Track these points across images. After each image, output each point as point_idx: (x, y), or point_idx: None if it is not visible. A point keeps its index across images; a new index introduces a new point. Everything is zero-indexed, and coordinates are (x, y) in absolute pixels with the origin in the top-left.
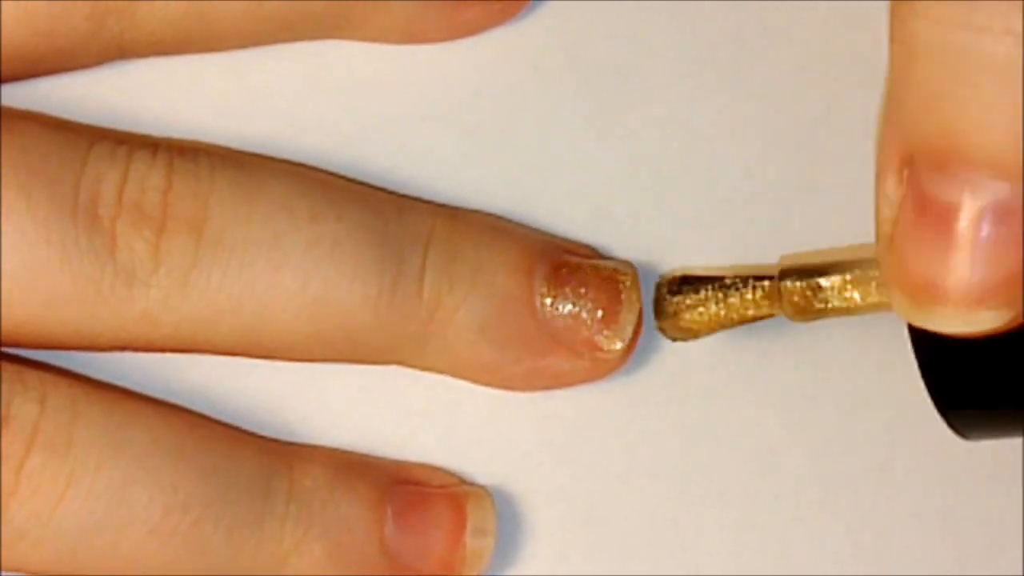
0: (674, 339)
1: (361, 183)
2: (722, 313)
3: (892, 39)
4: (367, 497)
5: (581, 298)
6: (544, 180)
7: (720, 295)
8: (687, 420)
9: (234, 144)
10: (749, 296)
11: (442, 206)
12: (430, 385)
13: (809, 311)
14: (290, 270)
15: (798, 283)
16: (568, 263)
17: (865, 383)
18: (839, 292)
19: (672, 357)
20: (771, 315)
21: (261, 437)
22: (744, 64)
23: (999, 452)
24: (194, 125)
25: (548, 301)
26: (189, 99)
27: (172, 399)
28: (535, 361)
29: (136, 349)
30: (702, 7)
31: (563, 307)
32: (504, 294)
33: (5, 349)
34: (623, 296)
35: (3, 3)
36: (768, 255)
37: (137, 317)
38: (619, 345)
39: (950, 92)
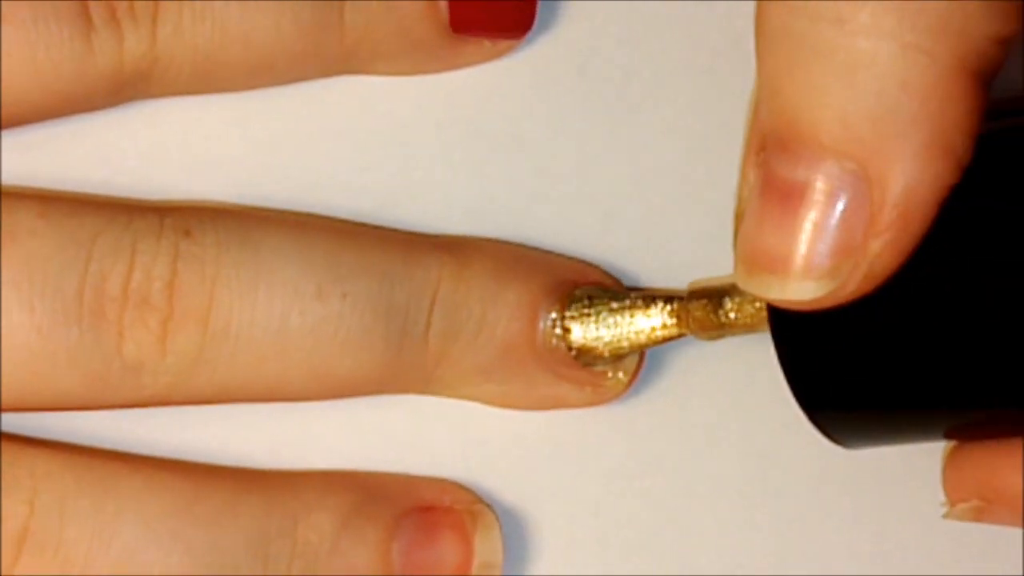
0: (581, 359)
1: (367, 226)
2: (623, 333)
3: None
4: (374, 540)
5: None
6: (552, 188)
7: (619, 316)
8: (692, 429)
9: (240, 166)
10: (654, 315)
11: (449, 247)
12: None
13: (711, 327)
14: (296, 352)
15: (701, 300)
16: (572, 298)
17: None
18: (739, 308)
19: (678, 367)
20: (678, 335)
21: (264, 480)
22: (750, 71)
23: None
24: (200, 152)
25: (553, 341)
26: (195, 126)
27: (175, 426)
28: (538, 393)
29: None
30: (706, 15)
31: (566, 343)
32: (506, 339)
33: None
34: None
35: (23, 76)
36: None
37: (144, 399)
38: (621, 376)
39: (788, 76)
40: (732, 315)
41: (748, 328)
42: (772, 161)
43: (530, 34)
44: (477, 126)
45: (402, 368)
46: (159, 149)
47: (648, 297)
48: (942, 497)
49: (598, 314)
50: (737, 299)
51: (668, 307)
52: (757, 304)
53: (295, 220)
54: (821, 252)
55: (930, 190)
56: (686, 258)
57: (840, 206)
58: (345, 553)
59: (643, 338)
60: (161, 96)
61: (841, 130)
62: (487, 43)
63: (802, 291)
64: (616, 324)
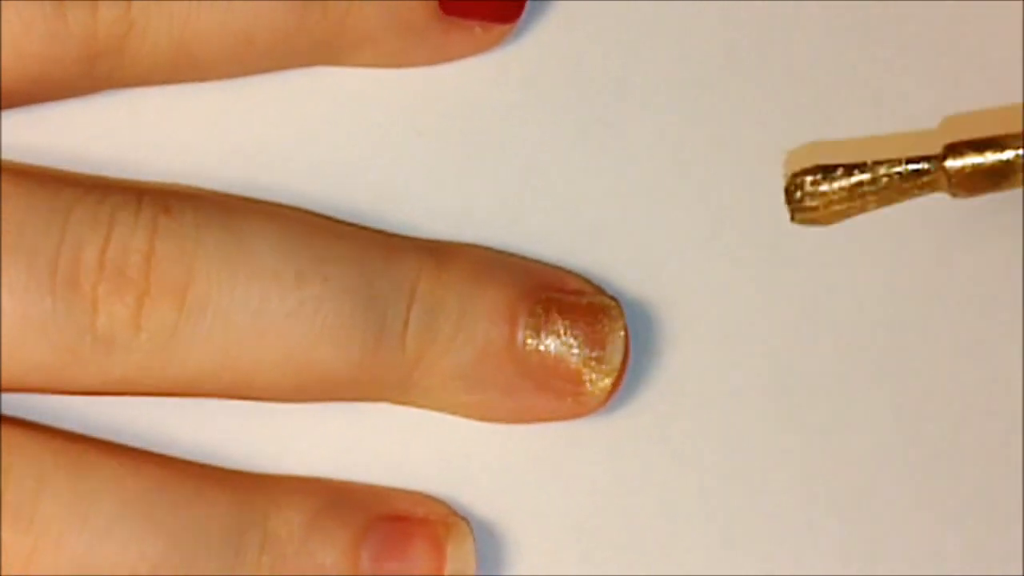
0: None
1: (349, 224)
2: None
3: None
4: (343, 542)
5: (566, 338)
6: (538, 191)
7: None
8: (678, 440)
9: (223, 162)
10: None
11: (429, 248)
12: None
13: (982, 186)
14: (274, 338)
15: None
16: (551, 302)
17: (864, 383)
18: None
19: (664, 375)
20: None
21: (237, 477)
22: (740, 75)
23: (999, 451)
24: (182, 149)
25: (531, 343)
26: (177, 123)
27: (151, 425)
28: (516, 402)
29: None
30: (698, 17)
31: (546, 348)
32: (485, 343)
33: None
34: (608, 334)
35: None
36: (769, 266)
37: (117, 379)
38: (606, 382)
39: None
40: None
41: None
42: None
43: (519, 36)
44: (463, 129)
45: (380, 367)
46: (137, 144)
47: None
48: (942, 497)
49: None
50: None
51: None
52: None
53: (275, 209)
54: None
55: None
56: (675, 264)
57: None
58: (313, 552)
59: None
60: (142, 79)
61: None
62: (477, 30)
63: None
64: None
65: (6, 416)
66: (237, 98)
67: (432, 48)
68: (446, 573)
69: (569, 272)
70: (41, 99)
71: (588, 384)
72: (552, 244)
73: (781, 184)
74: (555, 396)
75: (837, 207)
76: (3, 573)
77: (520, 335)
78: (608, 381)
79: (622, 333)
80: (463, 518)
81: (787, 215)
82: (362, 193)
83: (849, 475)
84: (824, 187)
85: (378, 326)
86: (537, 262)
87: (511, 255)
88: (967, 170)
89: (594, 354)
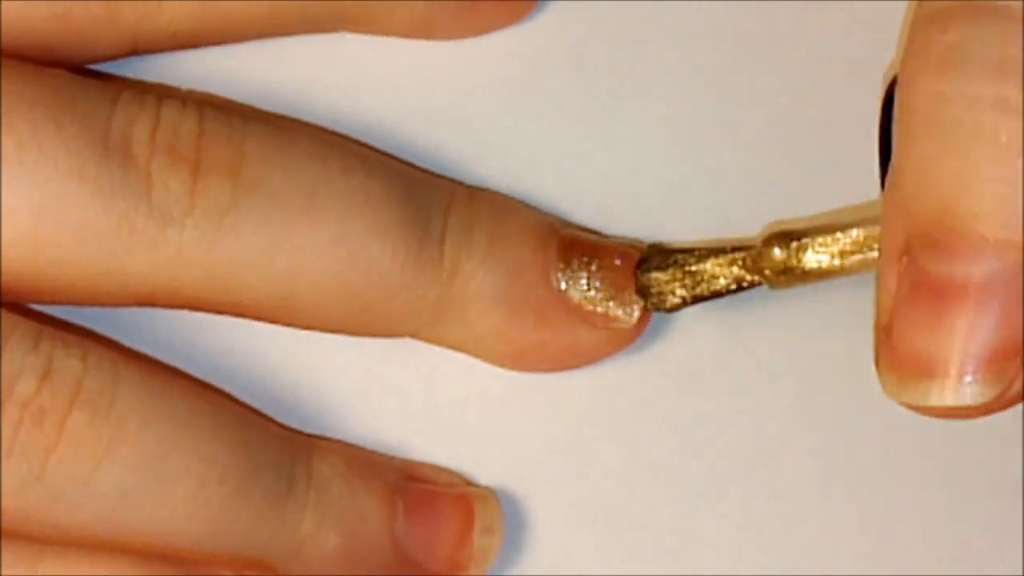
0: (653, 308)
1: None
2: (697, 282)
3: (895, 119)
4: (380, 491)
5: (593, 270)
6: (545, 178)
7: (693, 265)
8: (691, 416)
9: None
10: (724, 264)
11: (458, 182)
12: (435, 383)
13: (790, 274)
14: (325, 220)
15: (780, 244)
16: (579, 237)
17: (866, 382)
18: (821, 251)
19: (676, 351)
20: (750, 284)
21: (280, 424)
22: (745, 63)
23: (999, 452)
24: None
25: (561, 273)
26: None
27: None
28: (549, 331)
29: (162, 303)
30: (703, 8)
31: (576, 279)
32: (519, 262)
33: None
34: (635, 268)
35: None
36: None
37: (170, 257)
38: (634, 313)
39: (941, 165)
40: (814, 260)
41: (825, 275)
42: (921, 259)
43: (524, 28)
44: (468, 120)
45: (419, 274)
46: None
47: (718, 248)
48: (942, 497)
49: (672, 275)
50: (820, 240)
51: (740, 255)
52: (843, 245)
53: (310, 124)
54: (982, 353)
55: None
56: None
57: (1001, 301)
58: (355, 495)
59: (716, 287)
60: (164, 40)
61: (1002, 219)
62: (499, 2)
63: (964, 396)
64: (686, 276)
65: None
66: (256, 65)
67: (459, 19)
68: (476, 529)
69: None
70: (64, 51)
71: (618, 312)
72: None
73: (789, 169)
74: (587, 326)
75: (675, 296)
76: (82, 461)
77: (552, 262)
78: (638, 309)
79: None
80: (486, 487)
81: (791, 205)
82: None
83: (862, 442)
84: (658, 274)
85: (421, 227)
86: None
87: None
88: (777, 258)
89: (622, 287)
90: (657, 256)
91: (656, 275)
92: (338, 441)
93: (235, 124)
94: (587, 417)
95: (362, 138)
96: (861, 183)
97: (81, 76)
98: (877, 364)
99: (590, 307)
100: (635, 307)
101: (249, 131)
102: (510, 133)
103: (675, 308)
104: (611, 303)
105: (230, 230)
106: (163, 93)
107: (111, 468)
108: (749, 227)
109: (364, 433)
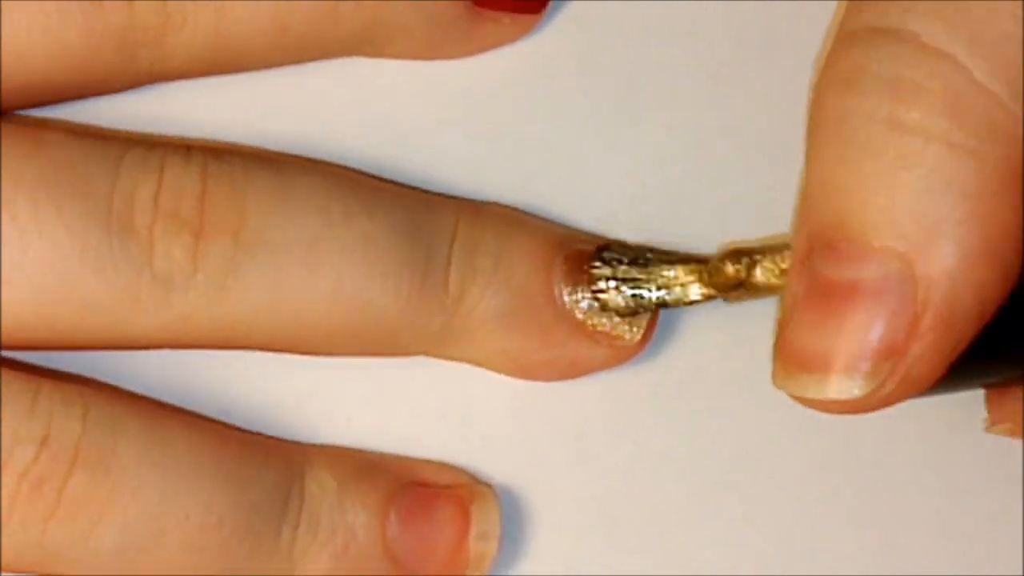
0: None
1: (387, 180)
2: (650, 292)
3: (807, 130)
4: (372, 502)
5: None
6: (553, 186)
7: (646, 274)
8: (694, 418)
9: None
10: (682, 274)
11: (465, 201)
12: (442, 383)
13: (741, 289)
14: (326, 271)
15: (734, 260)
16: (585, 252)
17: None
18: (768, 268)
19: (681, 355)
20: (705, 297)
21: (275, 440)
22: (752, 69)
23: (999, 452)
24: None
25: (567, 291)
26: (211, 113)
27: (183, 396)
28: (554, 349)
29: (172, 348)
30: (710, 13)
31: (581, 297)
32: (524, 283)
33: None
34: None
35: (35, 36)
36: None
37: (175, 320)
38: (638, 332)
39: (839, 174)
40: (762, 276)
41: (774, 291)
42: (818, 262)
43: (531, 32)
44: (476, 124)
45: (424, 306)
46: (172, 127)
47: (677, 259)
48: (942, 497)
49: (624, 273)
50: (769, 259)
51: (697, 266)
52: (784, 267)
53: (318, 163)
54: (862, 352)
55: (974, 296)
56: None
57: (884, 306)
58: (346, 511)
59: (671, 298)
60: (179, 72)
61: (887, 229)
62: (506, 20)
63: (841, 391)
64: (642, 284)
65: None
66: (266, 85)
67: (463, 40)
68: (472, 535)
69: (596, 236)
70: (79, 92)
71: (621, 330)
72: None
73: (791, 178)
74: (591, 341)
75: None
76: (82, 522)
77: (556, 280)
78: (641, 328)
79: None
80: (488, 485)
81: (792, 208)
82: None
83: (863, 442)
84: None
85: (424, 263)
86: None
87: (539, 217)
88: (728, 272)
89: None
90: (617, 253)
91: (608, 271)
92: (335, 450)
93: (237, 178)
94: (592, 416)
95: (369, 148)
96: None
97: (83, 139)
98: (774, 354)
99: (594, 326)
100: (639, 326)
101: (251, 184)
102: (518, 138)
103: (627, 313)
104: (615, 321)
105: (233, 290)
106: (167, 148)
107: (111, 526)
108: (759, 232)
109: (369, 431)
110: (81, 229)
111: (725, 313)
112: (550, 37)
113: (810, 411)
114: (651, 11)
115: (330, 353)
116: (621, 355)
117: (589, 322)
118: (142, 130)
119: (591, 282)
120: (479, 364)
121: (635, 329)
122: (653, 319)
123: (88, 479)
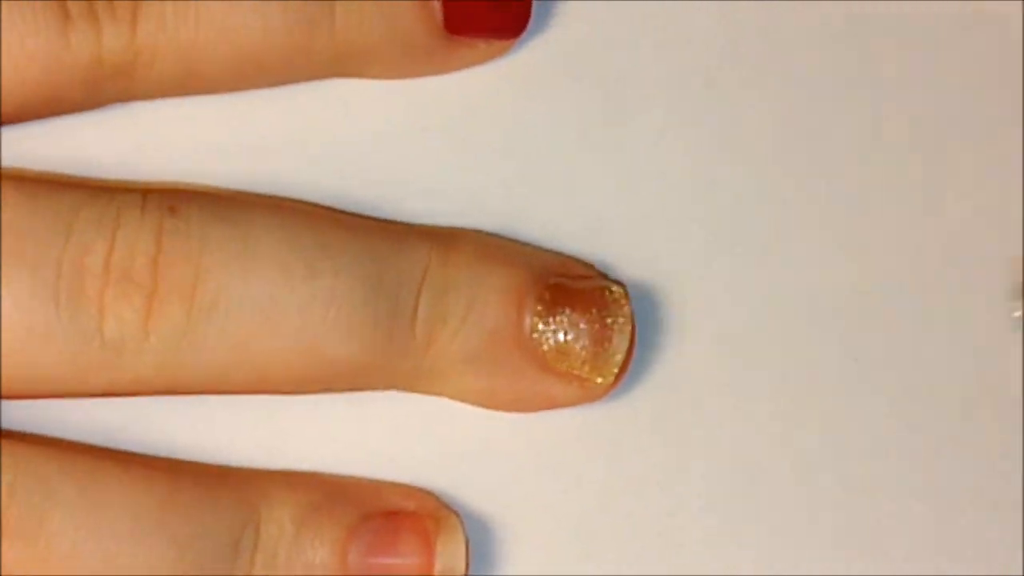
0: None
1: (355, 215)
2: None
3: None
4: (332, 537)
5: (571, 326)
6: (542, 191)
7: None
8: (678, 434)
9: (228, 162)
10: None
11: (437, 234)
12: (413, 403)
13: None
14: (286, 330)
15: None
16: (558, 288)
17: (863, 382)
18: None
19: (664, 371)
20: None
21: (233, 474)
22: (743, 74)
23: (999, 450)
24: (184, 150)
25: (539, 329)
26: (180, 136)
27: (148, 416)
28: (525, 388)
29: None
30: (700, 18)
31: (553, 336)
32: (494, 326)
33: None
34: (612, 325)
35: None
36: (772, 260)
37: (128, 382)
38: (608, 376)
39: None
40: None
41: None
42: None
43: (521, 36)
44: (465, 130)
45: (392, 353)
46: (142, 153)
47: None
48: (942, 495)
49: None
50: None
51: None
52: None
53: (281, 202)
54: None
55: None
56: (677, 259)
57: None
58: (303, 550)
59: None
60: (148, 97)
61: None
62: (481, 45)
63: None
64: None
65: (7, 430)
66: (241, 97)
67: (437, 63)
68: (436, 569)
69: (573, 258)
70: (49, 116)
71: (592, 373)
72: (556, 240)
73: (786, 179)
74: (561, 381)
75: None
76: None
77: (527, 320)
78: (614, 370)
79: (628, 319)
80: (455, 512)
81: (790, 210)
82: (366, 191)
83: (851, 471)
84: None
85: (390, 313)
86: (542, 248)
87: (517, 242)
88: None
89: (600, 346)
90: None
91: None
92: (297, 476)
93: (193, 234)
94: (565, 434)
95: (349, 158)
96: (869, 189)
97: (34, 198)
98: None
99: (565, 363)
100: (609, 373)
101: (208, 241)
102: (502, 148)
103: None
104: (586, 367)
105: (187, 352)
106: (123, 202)
107: None
108: (756, 230)
109: (338, 451)
110: (28, 303)
111: (710, 318)
112: (543, 37)
113: (792, 430)
114: (637, 23)
115: (297, 394)
116: (593, 394)
117: (559, 364)
118: (110, 147)
119: (560, 327)
120: (451, 398)
121: (606, 377)
122: (627, 357)
123: (18, 551)
